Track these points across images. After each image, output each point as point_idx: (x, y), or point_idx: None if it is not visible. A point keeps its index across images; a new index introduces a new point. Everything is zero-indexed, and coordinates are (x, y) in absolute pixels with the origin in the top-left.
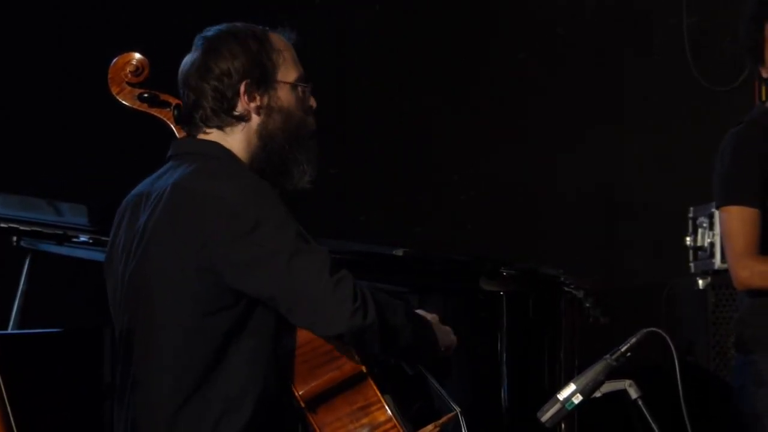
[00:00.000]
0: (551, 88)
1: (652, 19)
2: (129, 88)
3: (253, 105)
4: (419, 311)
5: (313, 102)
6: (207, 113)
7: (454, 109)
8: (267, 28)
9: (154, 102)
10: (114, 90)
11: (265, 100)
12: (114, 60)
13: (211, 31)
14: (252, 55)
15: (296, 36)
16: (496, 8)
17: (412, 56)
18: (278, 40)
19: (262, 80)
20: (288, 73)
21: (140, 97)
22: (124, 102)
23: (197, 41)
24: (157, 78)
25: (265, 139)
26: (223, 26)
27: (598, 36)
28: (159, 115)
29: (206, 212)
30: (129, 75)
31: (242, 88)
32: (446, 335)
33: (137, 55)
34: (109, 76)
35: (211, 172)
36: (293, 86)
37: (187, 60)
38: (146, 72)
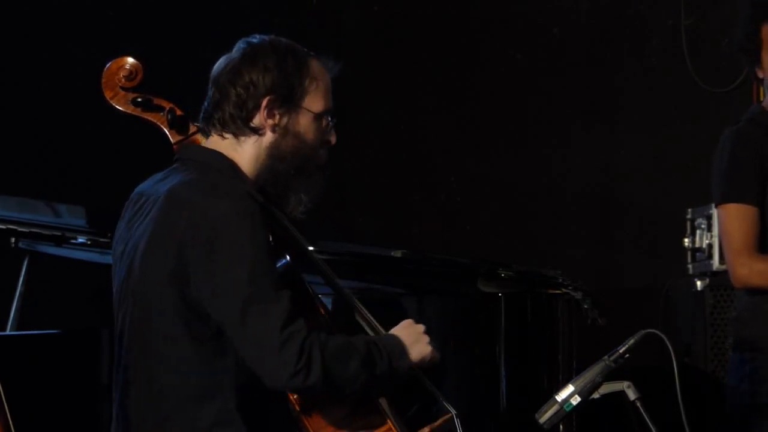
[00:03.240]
0: (548, 89)
1: (649, 20)
2: (123, 92)
3: (270, 122)
4: (395, 334)
5: (333, 138)
6: (225, 117)
7: (451, 110)
8: (312, 53)
9: (147, 106)
10: (108, 95)
11: (284, 120)
12: (107, 65)
13: (255, 39)
14: (284, 74)
15: (338, 68)
16: (491, 9)
17: (408, 57)
18: (318, 67)
19: (287, 100)
20: (315, 102)
21: (134, 102)
22: (117, 107)
23: (240, 44)
24: (151, 82)
25: (273, 158)
26: (267, 36)
27: (595, 37)
28: (153, 120)
29: (189, 222)
30: (123, 80)
31: (264, 103)
32: (421, 350)
33: (131, 60)
34: (103, 80)
35: (206, 184)
36: (317, 116)
37: (224, 59)
38: (140, 76)
